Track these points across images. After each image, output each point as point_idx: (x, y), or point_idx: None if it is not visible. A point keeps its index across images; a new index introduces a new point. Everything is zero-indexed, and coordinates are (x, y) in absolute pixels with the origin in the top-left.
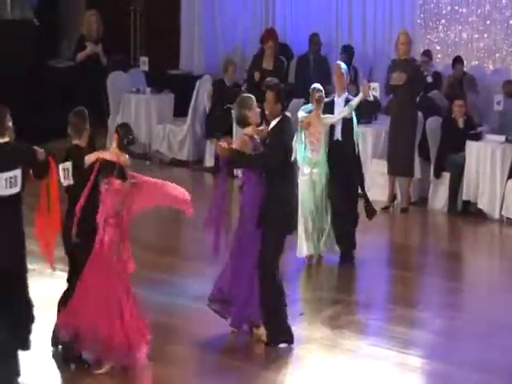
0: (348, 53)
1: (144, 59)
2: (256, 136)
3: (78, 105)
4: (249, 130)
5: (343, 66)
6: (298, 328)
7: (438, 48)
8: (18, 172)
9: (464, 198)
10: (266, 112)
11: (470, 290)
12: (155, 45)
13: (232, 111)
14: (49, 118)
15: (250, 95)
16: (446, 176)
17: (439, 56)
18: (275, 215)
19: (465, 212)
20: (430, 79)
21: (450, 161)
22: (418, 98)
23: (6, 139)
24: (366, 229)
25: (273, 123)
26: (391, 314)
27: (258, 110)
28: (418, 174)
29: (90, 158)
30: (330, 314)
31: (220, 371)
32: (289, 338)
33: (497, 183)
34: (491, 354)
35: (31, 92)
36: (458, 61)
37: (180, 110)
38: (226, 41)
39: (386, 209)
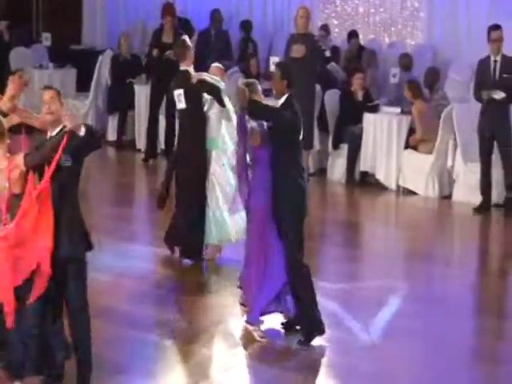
0: (246, 29)
1: (46, 35)
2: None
3: None
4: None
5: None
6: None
7: (336, 22)
8: None
9: (362, 168)
10: (273, 90)
11: (367, 258)
12: (57, 20)
13: (134, 85)
14: None
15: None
16: (344, 147)
17: (337, 30)
18: (289, 201)
19: (362, 183)
20: (328, 53)
21: (348, 133)
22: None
23: None
24: None
25: (281, 101)
26: None
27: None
28: (316, 145)
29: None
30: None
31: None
32: (322, 329)
33: (393, 154)
34: (388, 320)
35: None
36: (353, 35)
37: (83, 85)
38: (127, 16)
39: None
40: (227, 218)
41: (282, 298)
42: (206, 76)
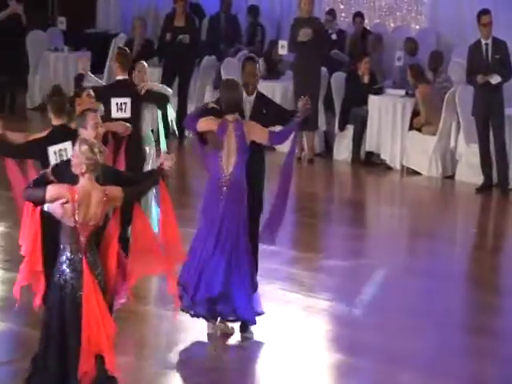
0: (254, 13)
1: (62, 19)
2: None
3: None
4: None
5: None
6: None
7: (342, 7)
8: None
9: (367, 149)
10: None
11: (372, 236)
12: (72, 4)
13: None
14: None
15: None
16: (350, 128)
17: (343, 15)
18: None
19: (368, 163)
20: (334, 37)
21: (354, 114)
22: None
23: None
24: (272, 179)
25: (253, 97)
26: (298, 260)
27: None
28: (323, 126)
29: None
30: None
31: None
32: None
33: (398, 135)
34: (392, 297)
35: None
36: (357, 15)
37: (97, 68)
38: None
39: (298, 160)
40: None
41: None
42: (152, 85)
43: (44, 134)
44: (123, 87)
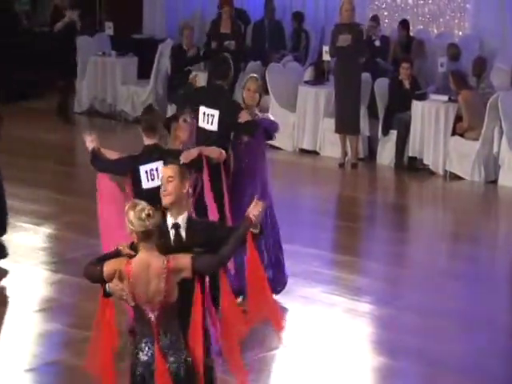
0: (298, 19)
1: (109, 24)
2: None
3: (50, 68)
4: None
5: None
6: None
7: (386, 13)
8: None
9: (410, 154)
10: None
11: (414, 240)
12: (119, 10)
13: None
14: (22, 80)
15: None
16: (393, 133)
17: (386, 21)
18: None
19: (411, 167)
20: (378, 43)
21: (397, 119)
22: (363, 60)
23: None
24: (315, 183)
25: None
26: (341, 263)
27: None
28: (366, 131)
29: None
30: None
31: None
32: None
33: (440, 140)
34: (434, 300)
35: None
36: (404, 24)
37: (143, 73)
38: (186, 5)
39: (341, 166)
40: None
41: None
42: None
43: (137, 153)
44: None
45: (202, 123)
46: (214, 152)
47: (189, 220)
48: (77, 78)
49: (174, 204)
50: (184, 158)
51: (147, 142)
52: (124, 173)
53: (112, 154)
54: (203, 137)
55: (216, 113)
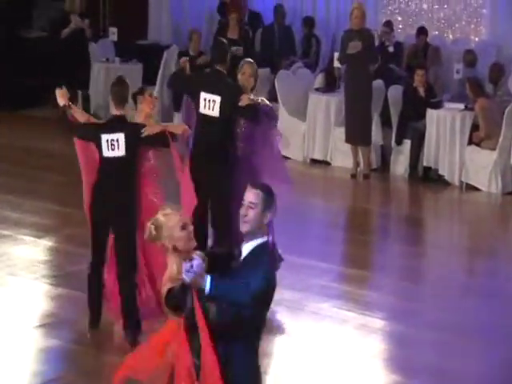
0: (308, 25)
1: (113, 30)
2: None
3: (58, 75)
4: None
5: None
6: None
7: (400, 19)
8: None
9: (425, 164)
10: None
11: (429, 254)
12: (124, 15)
13: None
14: (22, 87)
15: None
16: (407, 143)
17: (400, 26)
18: None
19: (425, 178)
20: (391, 49)
21: (411, 128)
22: (375, 67)
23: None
24: (328, 195)
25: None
26: (353, 278)
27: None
28: (379, 140)
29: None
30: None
31: None
32: None
33: (456, 150)
34: (449, 316)
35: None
36: (422, 30)
37: (149, 79)
38: (193, 11)
39: (353, 176)
40: None
41: None
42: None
43: (102, 121)
44: None
45: (202, 109)
46: (179, 128)
47: (255, 248)
48: (89, 86)
49: (248, 232)
50: (147, 132)
51: (114, 112)
52: (87, 138)
53: (81, 116)
54: (205, 123)
55: (218, 99)
